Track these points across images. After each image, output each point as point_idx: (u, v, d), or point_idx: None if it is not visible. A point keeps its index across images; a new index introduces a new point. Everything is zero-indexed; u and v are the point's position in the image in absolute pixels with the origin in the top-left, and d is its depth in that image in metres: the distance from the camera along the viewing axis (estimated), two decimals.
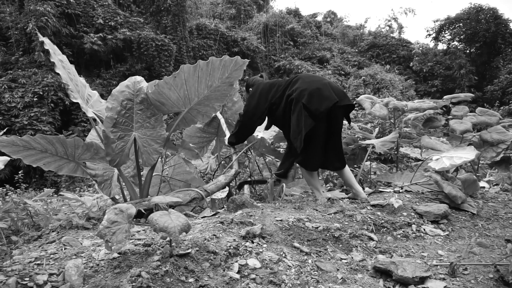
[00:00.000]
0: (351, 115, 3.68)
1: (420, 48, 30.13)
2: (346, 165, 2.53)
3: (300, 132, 2.34)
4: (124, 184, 2.51)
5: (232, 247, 1.48)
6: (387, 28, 35.78)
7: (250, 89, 2.83)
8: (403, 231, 1.89)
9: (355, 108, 12.41)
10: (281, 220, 1.80)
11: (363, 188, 2.65)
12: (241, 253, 1.47)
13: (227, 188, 2.66)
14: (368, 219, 1.95)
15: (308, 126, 2.31)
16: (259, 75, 2.95)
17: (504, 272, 1.40)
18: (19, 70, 16.16)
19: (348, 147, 3.26)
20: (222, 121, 3.20)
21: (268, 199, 2.74)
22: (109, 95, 2.38)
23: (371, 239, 1.79)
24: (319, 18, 37.63)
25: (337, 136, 2.48)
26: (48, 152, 2.24)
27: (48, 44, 2.18)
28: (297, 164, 3.39)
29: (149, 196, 2.45)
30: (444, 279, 1.42)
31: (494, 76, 26.91)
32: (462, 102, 3.23)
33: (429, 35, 31.37)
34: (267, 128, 2.88)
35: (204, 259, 1.39)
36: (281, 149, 4.03)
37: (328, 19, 38.71)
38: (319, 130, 2.35)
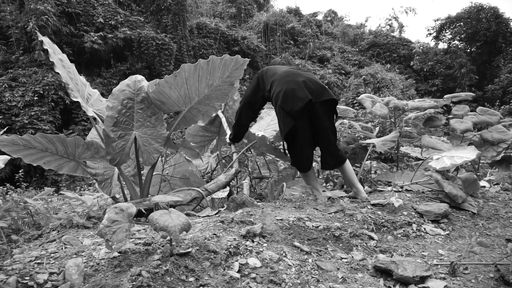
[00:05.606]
0: (352, 114, 3.67)
1: (421, 47, 30.13)
2: (348, 163, 2.49)
3: (282, 133, 2.39)
4: (124, 183, 2.51)
5: (232, 246, 1.48)
6: (388, 27, 35.82)
7: None
8: (404, 231, 1.88)
9: (356, 107, 12.39)
10: (281, 219, 1.80)
11: (363, 187, 2.64)
12: (241, 252, 1.47)
13: (227, 188, 2.65)
14: (369, 218, 1.94)
15: (287, 126, 2.32)
16: (280, 56, 2.94)
17: (505, 271, 1.40)
18: (20, 69, 16.18)
19: (348, 146, 3.26)
20: (224, 120, 3.20)
21: (269, 198, 2.74)
22: (109, 94, 2.38)
23: (371, 238, 1.79)
24: (320, 17, 37.69)
25: (324, 134, 2.41)
26: (49, 151, 2.24)
27: (48, 43, 2.18)
28: None
29: (149, 195, 2.45)
30: (444, 278, 1.42)
31: (495, 75, 26.89)
32: (463, 101, 3.23)
33: (430, 34, 31.38)
34: None
35: (204, 258, 1.39)
36: (281, 148, 4.03)
37: (329, 18, 38.74)
38: (300, 129, 2.35)
